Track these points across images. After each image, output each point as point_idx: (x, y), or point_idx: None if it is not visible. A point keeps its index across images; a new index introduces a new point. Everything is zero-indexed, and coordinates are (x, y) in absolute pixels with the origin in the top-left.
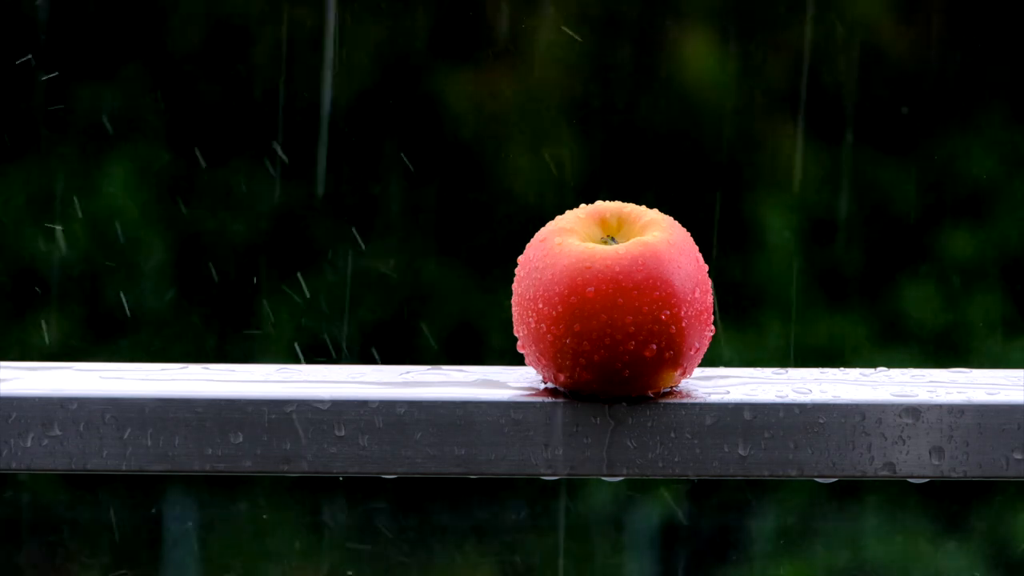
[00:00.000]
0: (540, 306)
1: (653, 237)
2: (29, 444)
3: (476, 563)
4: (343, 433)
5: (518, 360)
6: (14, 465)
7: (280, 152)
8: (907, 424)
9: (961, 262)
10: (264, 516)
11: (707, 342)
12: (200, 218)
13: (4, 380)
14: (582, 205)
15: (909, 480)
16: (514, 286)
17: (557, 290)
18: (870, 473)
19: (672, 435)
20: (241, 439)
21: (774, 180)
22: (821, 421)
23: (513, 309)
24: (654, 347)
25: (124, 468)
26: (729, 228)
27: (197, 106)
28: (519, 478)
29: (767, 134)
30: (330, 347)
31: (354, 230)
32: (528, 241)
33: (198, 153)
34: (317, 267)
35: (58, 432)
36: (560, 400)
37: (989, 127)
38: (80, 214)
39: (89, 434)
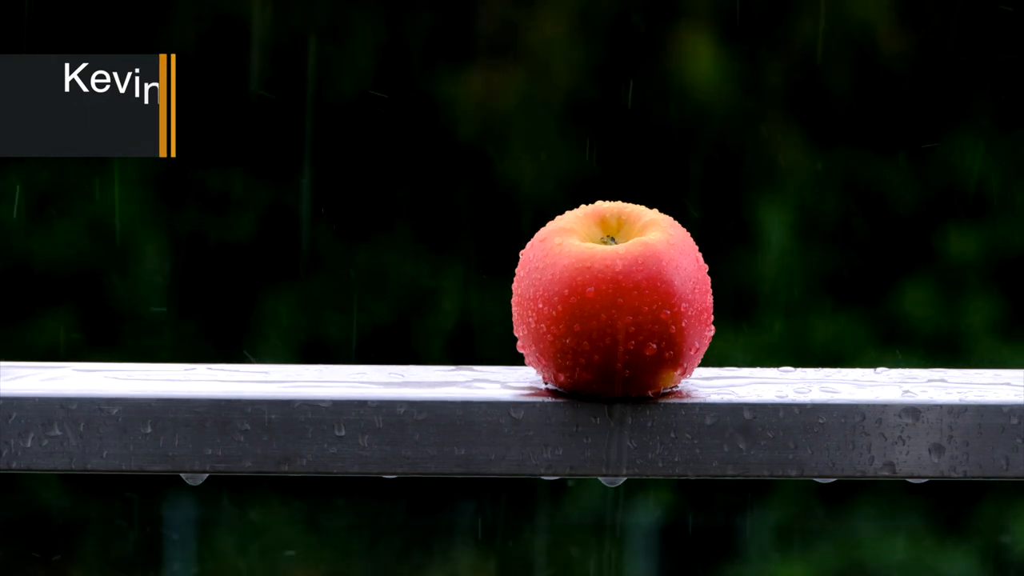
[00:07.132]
0: (540, 306)
1: (653, 237)
2: (29, 444)
3: (476, 563)
4: (343, 433)
5: (518, 360)
6: (14, 465)
7: (281, 152)
8: (907, 424)
9: (961, 263)
10: (264, 516)
11: (707, 342)
12: (199, 219)
13: (4, 380)
14: (582, 205)
15: (909, 480)
16: (514, 286)
17: (557, 290)
18: (870, 473)
19: (672, 435)
20: (241, 439)
21: (774, 180)
22: (821, 421)
23: (513, 309)
24: (654, 347)
25: (124, 468)
26: (729, 228)
27: (196, 105)
28: (519, 478)
29: (767, 134)
30: (330, 347)
31: (353, 230)
32: (528, 241)
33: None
34: (317, 267)
35: (58, 432)
36: (560, 400)
37: (989, 128)
38: (80, 214)
39: (89, 434)
